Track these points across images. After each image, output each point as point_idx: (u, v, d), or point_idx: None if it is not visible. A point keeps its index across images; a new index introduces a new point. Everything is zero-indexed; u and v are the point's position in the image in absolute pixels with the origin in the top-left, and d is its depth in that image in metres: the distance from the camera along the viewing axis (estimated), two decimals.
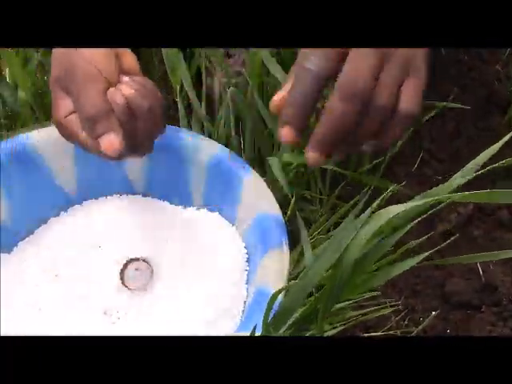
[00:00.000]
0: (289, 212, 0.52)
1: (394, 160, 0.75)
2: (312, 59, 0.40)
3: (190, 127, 0.60)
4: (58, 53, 0.45)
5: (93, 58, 0.43)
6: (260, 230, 0.53)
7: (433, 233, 0.70)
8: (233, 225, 0.57)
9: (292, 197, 0.52)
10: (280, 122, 0.42)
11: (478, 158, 0.46)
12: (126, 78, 0.45)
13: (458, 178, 0.46)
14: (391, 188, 0.58)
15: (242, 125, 0.60)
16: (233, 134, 0.58)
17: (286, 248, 0.49)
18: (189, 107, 0.62)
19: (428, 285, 0.65)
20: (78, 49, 0.44)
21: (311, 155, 0.41)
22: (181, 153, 0.57)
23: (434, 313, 0.63)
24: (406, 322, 0.60)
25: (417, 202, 0.38)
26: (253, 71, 0.55)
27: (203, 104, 0.59)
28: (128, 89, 0.43)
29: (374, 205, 0.43)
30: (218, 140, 0.59)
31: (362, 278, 0.39)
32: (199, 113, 0.59)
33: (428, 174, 0.78)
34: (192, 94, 0.59)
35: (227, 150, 0.57)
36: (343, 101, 0.39)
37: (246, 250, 0.55)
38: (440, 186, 0.47)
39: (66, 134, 0.46)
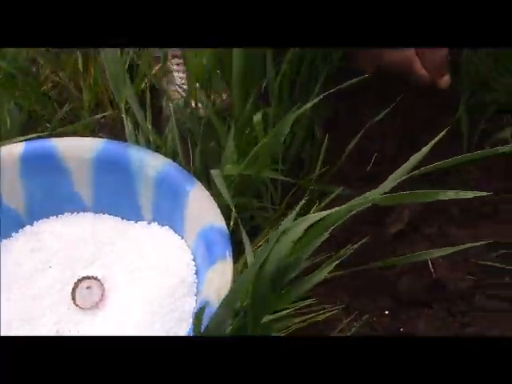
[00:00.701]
0: (231, 223, 0.53)
1: (346, 163, 0.77)
2: None
3: (137, 142, 0.61)
4: None
5: None
6: (205, 242, 0.53)
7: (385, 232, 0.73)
8: (182, 237, 0.58)
9: (235, 207, 0.53)
10: None
11: (407, 163, 0.47)
12: None
13: (390, 182, 0.47)
14: (333, 194, 0.59)
15: (190, 138, 0.61)
16: (179, 148, 0.59)
17: (229, 260, 0.50)
18: (137, 123, 0.63)
19: (380, 284, 0.67)
20: None
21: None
22: (128, 168, 0.58)
23: (386, 312, 0.65)
24: (357, 323, 0.62)
25: (337, 208, 0.39)
26: (193, 76, 0.55)
27: (149, 119, 0.60)
28: None
29: (312, 211, 0.45)
30: (166, 154, 0.59)
31: (285, 288, 0.40)
32: (145, 128, 0.60)
33: (382, 175, 0.79)
34: (137, 110, 0.59)
35: (174, 163, 0.57)
36: None
37: (194, 263, 0.56)
38: (373, 190, 0.49)
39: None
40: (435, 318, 0.63)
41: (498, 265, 0.64)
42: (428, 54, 0.65)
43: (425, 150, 0.46)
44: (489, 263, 0.64)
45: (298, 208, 0.40)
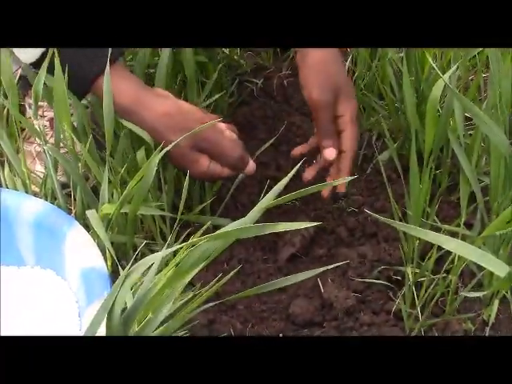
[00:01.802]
0: (109, 263, 0.53)
1: (240, 187, 0.79)
2: None
3: (14, 187, 0.60)
4: (178, 130, 0.58)
5: (202, 119, 0.61)
6: (86, 284, 0.53)
7: (278, 257, 0.75)
8: (64, 279, 0.57)
9: (112, 245, 0.54)
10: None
11: (268, 194, 0.50)
12: (223, 125, 0.66)
13: (255, 212, 0.49)
14: (204, 227, 0.60)
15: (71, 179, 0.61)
16: (57, 190, 0.58)
17: None
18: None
19: (274, 309, 0.69)
20: (187, 116, 0.60)
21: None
22: (6, 214, 0.57)
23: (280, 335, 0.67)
24: None
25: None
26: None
27: (24, 162, 0.60)
28: (232, 133, 0.66)
29: (184, 247, 0.46)
30: (45, 197, 0.59)
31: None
32: (21, 172, 0.59)
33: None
34: (12, 154, 0.59)
35: (52, 206, 0.57)
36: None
37: (76, 304, 0.55)
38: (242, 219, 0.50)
39: (212, 178, 0.64)
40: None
41: (380, 281, 0.67)
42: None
43: (284, 181, 0.48)
44: (372, 280, 0.67)
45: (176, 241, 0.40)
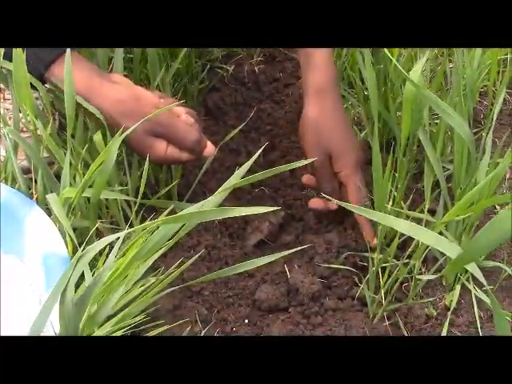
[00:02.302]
0: (70, 248, 0.53)
1: (209, 173, 0.79)
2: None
3: None
4: (133, 116, 0.57)
5: (157, 104, 0.61)
6: (46, 269, 0.53)
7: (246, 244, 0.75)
8: (25, 264, 0.56)
9: (75, 231, 0.53)
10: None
11: (230, 178, 0.50)
12: (182, 109, 0.66)
13: (217, 196, 0.49)
14: (167, 210, 0.59)
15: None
16: (18, 173, 0.57)
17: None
18: None
19: (240, 295, 0.69)
20: (141, 102, 0.59)
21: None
22: None
23: (246, 321, 0.67)
24: (216, 334, 0.63)
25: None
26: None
27: None
28: (190, 117, 0.65)
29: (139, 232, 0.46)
30: (6, 181, 0.58)
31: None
32: None
33: (244, 188, 0.82)
34: None
35: (12, 190, 0.56)
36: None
37: (37, 290, 0.55)
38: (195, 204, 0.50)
39: (171, 162, 0.65)
40: (290, 322, 0.65)
41: (345, 267, 0.68)
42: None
43: (245, 167, 0.48)
44: (337, 266, 0.68)
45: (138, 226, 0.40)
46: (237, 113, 0.89)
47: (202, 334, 0.61)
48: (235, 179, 0.48)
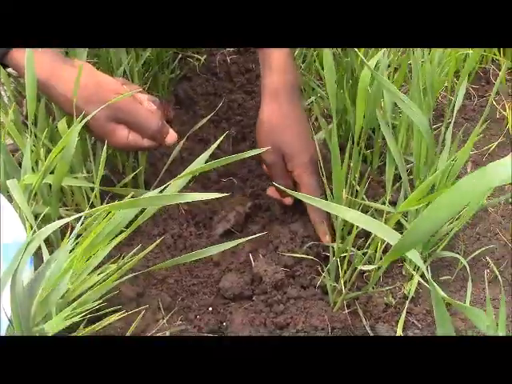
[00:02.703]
0: (30, 234, 0.53)
1: (177, 162, 0.79)
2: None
3: None
4: (94, 102, 0.58)
5: (118, 90, 0.60)
6: (7, 258, 0.52)
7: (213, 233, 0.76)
8: None
9: (37, 218, 0.53)
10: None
11: (192, 165, 0.50)
12: (145, 96, 0.65)
13: (178, 182, 0.50)
14: (130, 194, 0.60)
15: None
16: None
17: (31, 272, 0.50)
18: None
19: (205, 283, 0.70)
20: (103, 88, 0.59)
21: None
22: None
23: (210, 309, 0.68)
24: (179, 322, 0.64)
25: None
26: None
27: None
28: (152, 104, 0.65)
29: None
30: None
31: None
32: None
33: (212, 178, 0.83)
34: None
35: None
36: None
37: None
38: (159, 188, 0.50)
39: (133, 148, 0.64)
40: (253, 310, 0.66)
41: (309, 257, 0.69)
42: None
43: (206, 154, 0.49)
44: (300, 255, 0.69)
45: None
46: (207, 103, 0.89)
47: (165, 321, 0.62)
48: (198, 164, 0.48)
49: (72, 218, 0.39)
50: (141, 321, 0.60)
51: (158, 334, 0.60)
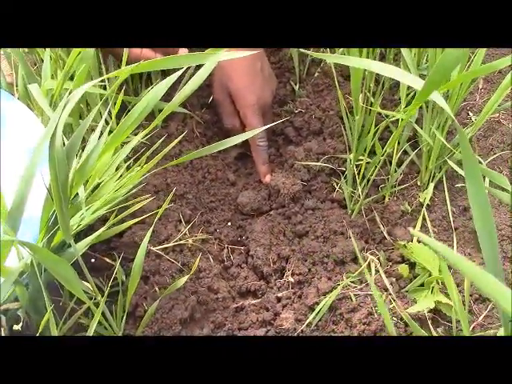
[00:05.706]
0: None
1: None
2: None
3: None
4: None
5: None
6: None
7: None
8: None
9: None
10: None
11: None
12: None
13: None
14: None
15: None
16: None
17: None
18: None
19: (223, 201, 0.71)
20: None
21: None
22: None
23: (229, 223, 0.69)
24: (200, 234, 0.65)
25: None
26: None
27: None
28: None
29: None
30: None
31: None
32: None
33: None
34: None
35: None
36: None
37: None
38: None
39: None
40: (272, 221, 0.67)
41: (324, 170, 0.70)
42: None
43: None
44: (316, 170, 0.70)
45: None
46: None
47: (186, 231, 0.63)
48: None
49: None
50: (163, 230, 0.61)
51: (180, 242, 0.61)
